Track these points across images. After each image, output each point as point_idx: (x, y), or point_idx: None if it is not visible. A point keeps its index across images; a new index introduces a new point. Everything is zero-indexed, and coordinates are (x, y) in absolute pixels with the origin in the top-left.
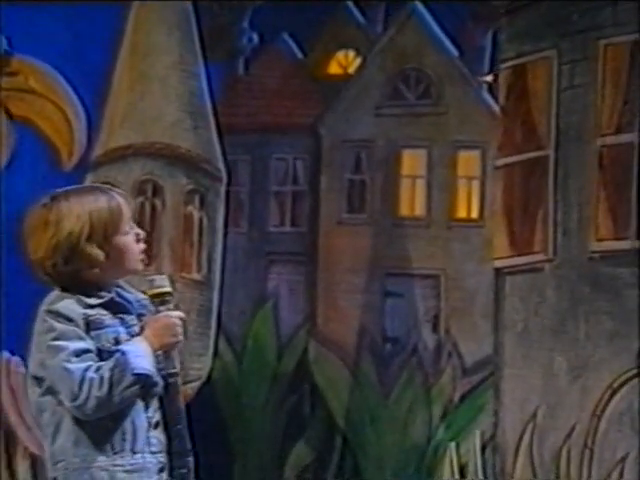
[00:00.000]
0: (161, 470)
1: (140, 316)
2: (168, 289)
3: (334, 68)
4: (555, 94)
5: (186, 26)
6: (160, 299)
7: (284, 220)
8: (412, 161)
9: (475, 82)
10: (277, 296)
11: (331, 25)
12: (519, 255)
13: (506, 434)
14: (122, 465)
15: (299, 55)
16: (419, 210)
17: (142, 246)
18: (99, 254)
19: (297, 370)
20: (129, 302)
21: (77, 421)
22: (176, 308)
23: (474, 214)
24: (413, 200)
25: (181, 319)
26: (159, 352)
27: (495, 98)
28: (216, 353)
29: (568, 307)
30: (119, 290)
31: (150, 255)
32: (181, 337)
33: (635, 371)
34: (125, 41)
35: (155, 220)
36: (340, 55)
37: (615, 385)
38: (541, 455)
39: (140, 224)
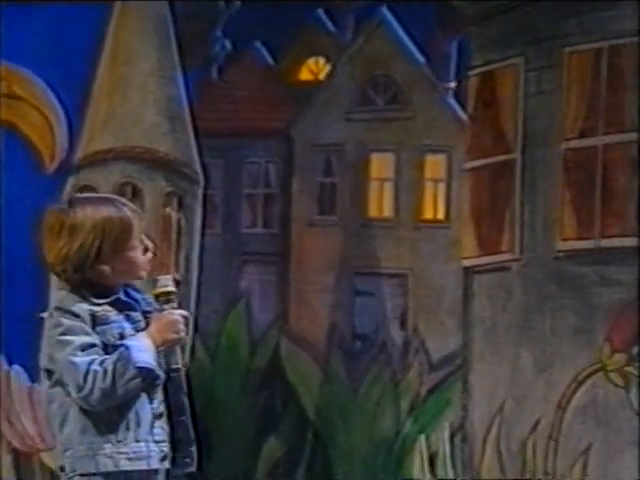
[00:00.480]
0: (163, 459)
1: (146, 314)
2: (172, 289)
3: (305, 74)
4: (522, 100)
5: (164, 34)
6: (164, 298)
7: (256, 221)
8: (381, 164)
9: (442, 88)
10: (250, 295)
11: (302, 33)
12: (487, 254)
13: (474, 426)
14: (126, 453)
15: (271, 62)
16: (387, 211)
17: (149, 256)
18: (106, 269)
19: (269, 366)
20: (136, 300)
21: (83, 411)
22: (180, 307)
23: (440, 215)
24: (381, 202)
25: (184, 317)
26: (162, 348)
27: (461, 104)
28: (193, 350)
29: (534, 304)
30: (127, 289)
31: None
32: (183, 334)
33: (599, 365)
34: (105, 48)
35: None
36: (311, 62)
37: (579, 378)
38: (508, 446)
39: None
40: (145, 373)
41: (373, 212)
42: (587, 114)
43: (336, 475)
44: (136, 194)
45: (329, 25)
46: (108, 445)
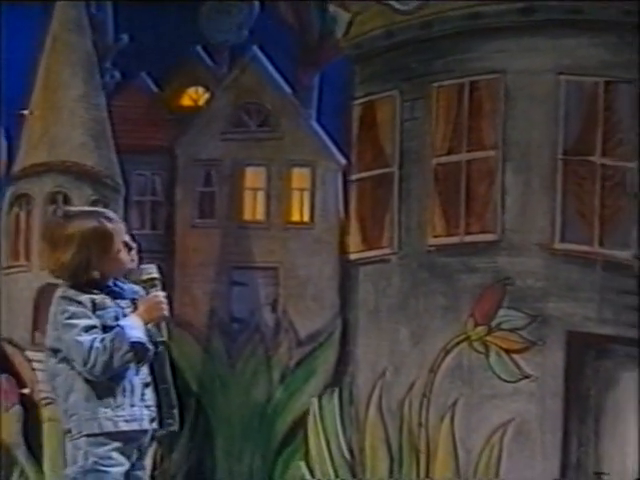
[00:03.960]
0: (152, 420)
1: (133, 301)
2: (156, 275)
3: (186, 101)
4: (398, 124)
5: (89, 66)
6: (150, 283)
7: (144, 224)
8: (254, 176)
9: (305, 113)
10: None
11: (183, 66)
12: (370, 249)
13: (360, 390)
14: (123, 416)
15: (155, 90)
16: (260, 215)
17: (133, 253)
18: (96, 274)
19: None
20: (124, 290)
21: (87, 382)
22: (163, 290)
23: (306, 218)
24: (255, 208)
25: (166, 298)
26: (150, 324)
27: (322, 127)
28: None
29: (410, 289)
30: (116, 281)
31: None
32: (166, 312)
33: (464, 336)
34: (39, 78)
35: None
36: (191, 91)
37: (448, 347)
38: (389, 405)
39: None
40: (137, 347)
41: (248, 216)
42: (452, 136)
43: (216, 436)
44: (66, 201)
45: (207, 60)
46: (108, 410)
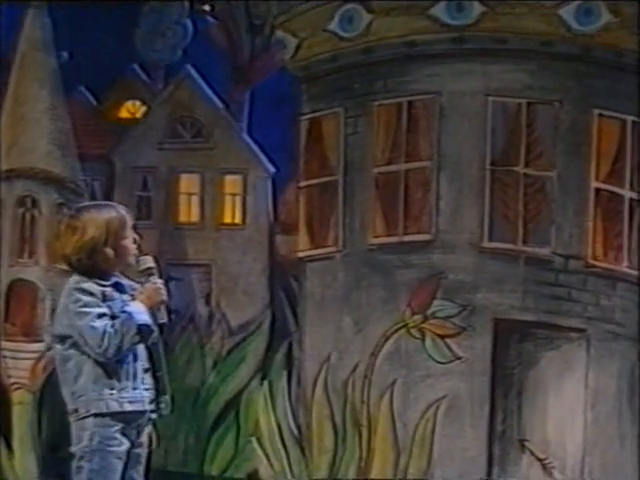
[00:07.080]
0: (151, 402)
1: (133, 296)
2: (152, 265)
3: (124, 114)
4: (343, 138)
5: (55, 82)
6: (147, 272)
7: None
8: (188, 183)
9: (236, 126)
10: None
11: (121, 81)
12: (317, 248)
13: (307, 373)
14: (127, 397)
15: (94, 103)
16: (194, 218)
17: (135, 245)
18: (111, 253)
19: None
20: (124, 286)
21: (95, 366)
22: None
23: (237, 220)
24: (190, 211)
25: (163, 284)
26: (151, 309)
27: (251, 137)
28: None
29: (353, 282)
30: (118, 278)
31: (32, 250)
32: (164, 297)
33: (402, 324)
34: (8, 92)
35: (34, 225)
36: (129, 104)
37: (387, 334)
38: (334, 385)
39: (22, 228)
40: (144, 329)
41: (183, 218)
42: (392, 148)
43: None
44: (35, 204)
45: (143, 76)
46: (114, 391)
